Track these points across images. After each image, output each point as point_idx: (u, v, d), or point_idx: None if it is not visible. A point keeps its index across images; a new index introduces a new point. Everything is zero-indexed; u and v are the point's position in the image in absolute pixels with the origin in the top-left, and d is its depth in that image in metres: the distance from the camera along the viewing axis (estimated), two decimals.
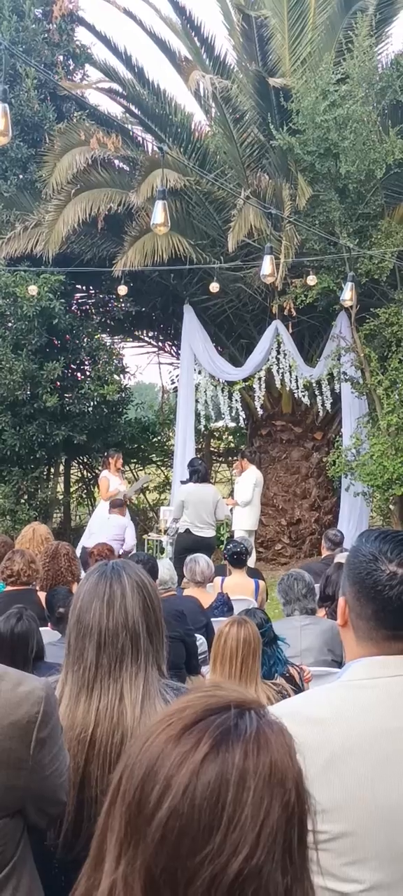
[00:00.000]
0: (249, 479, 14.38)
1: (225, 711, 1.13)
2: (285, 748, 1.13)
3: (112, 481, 14.59)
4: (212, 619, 7.41)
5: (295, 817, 1.10)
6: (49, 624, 6.08)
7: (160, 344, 21.47)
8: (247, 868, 1.05)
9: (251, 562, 13.70)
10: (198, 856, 1.05)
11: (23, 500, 16.82)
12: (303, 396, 16.15)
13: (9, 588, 6.88)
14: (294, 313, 15.41)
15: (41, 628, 5.11)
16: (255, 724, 1.13)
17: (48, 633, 5.78)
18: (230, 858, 1.05)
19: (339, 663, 6.15)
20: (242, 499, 14.28)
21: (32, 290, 15.31)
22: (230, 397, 16.80)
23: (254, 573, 9.95)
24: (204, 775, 1.08)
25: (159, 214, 9.70)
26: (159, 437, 20.90)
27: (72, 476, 20.22)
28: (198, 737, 1.11)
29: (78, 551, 10.27)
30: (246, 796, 1.07)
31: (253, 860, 1.05)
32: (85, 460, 19.73)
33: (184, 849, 1.06)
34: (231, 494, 15.99)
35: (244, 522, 14.26)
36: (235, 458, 21.21)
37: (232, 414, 17.20)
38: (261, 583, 9.38)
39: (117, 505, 12.61)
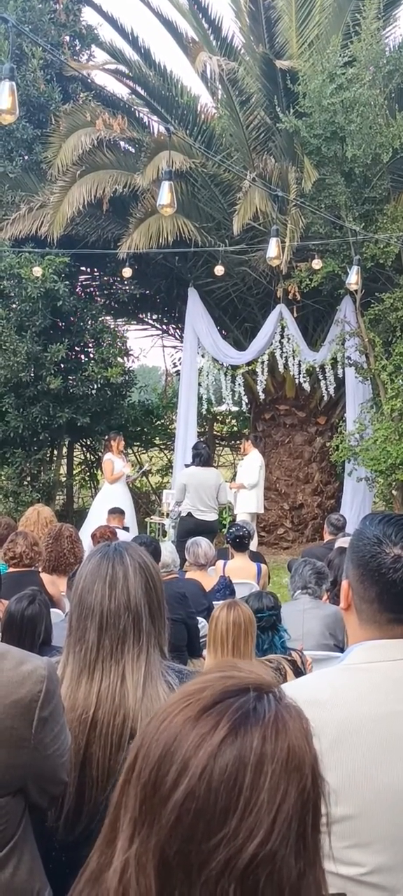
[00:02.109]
0: (255, 462, 14.36)
1: (243, 694, 1.13)
2: (302, 732, 1.14)
3: (116, 463, 14.60)
4: (215, 603, 7.41)
5: (310, 802, 1.10)
6: None
7: (164, 327, 21.47)
8: (262, 853, 1.05)
9: (253, 546, 13.72)
10: (212, 839, 1.05)
11: (26, 482, 16.83)
12: (305, 381, 16.12)
13: (11, 570, 6.88)
14: (298, 297, 15.39)
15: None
16: (274, 707, 1.13)
17: (53, 614, 5.78)
18: (245, 843, 1.05)
19: (341, 648, 6.16)
20: (249, 481, 14.27)
21: (37, 271, 15.28)
22: (233, 381, 16.79)
23: (257, 557, 9.96)
24: (221, 758, 1.08)
25: (165, 195, 9.66)
26: (162, 421, 20.91)
27: (75, 458, 20.23)
28: (216, 719, 1.10)
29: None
30: (263, 781, 1.07)
31: (267, 845, 1.05)
32: (88, 443, 19.73)
33: (198, 831, 1.06)
34: (233, 478, 15.99)
35: (249, 505, 14.25)
36: (238, 441, 21.30)
37: (235, 398, 17.18)
38: (264, 566, 9.39)
39: (116, 513, 12.09)
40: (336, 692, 2.03)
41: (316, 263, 14.62)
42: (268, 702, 1.13)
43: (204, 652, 6.41)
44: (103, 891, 1.15)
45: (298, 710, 1.16)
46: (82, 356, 17.91)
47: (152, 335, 21.69)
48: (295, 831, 1.07)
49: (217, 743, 1.08)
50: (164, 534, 15.01)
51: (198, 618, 6.99)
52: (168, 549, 7.76)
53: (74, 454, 20.13)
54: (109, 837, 1.17)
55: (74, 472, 20.17)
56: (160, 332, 21.58)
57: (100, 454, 17.78)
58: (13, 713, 2.08)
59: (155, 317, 21.33)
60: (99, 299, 18.90)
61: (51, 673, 2.18)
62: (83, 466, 20.68)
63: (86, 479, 20.61)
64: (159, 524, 15.98)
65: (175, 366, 21.30)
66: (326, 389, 16.40)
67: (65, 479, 19.42)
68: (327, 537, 10.44)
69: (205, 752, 1.08)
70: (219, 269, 15.25)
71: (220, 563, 8.99)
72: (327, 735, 1.92)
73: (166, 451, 20.82)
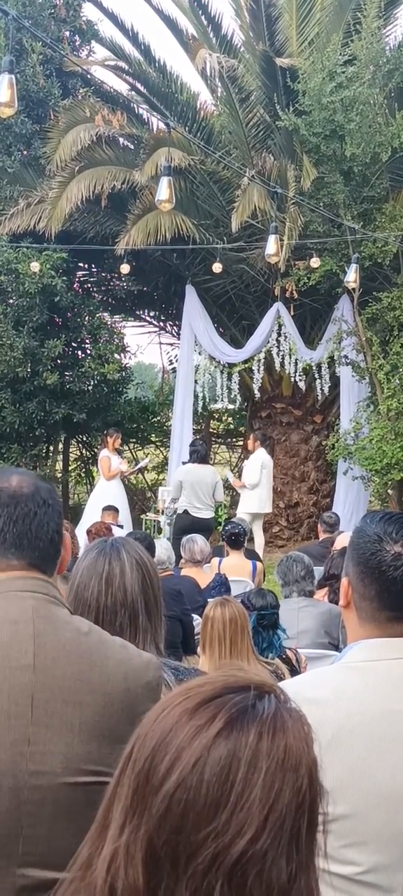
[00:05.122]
0: (256, 461, 14.31)
1: (244, 691, 1.12)
2: (302, 734, 1.12)
3: (113, 460, 14.59)
4: (209, 600, 7.40)
5: (306, 805, 1.09)
6: None
7: (161, 324, 21.44)
8: (251, 850, 1.03)
9: (259, 548, 13.70)
10: (201, 832, 1.04)
11: None
12: (301, 380, 16.12)
13: None
14: (296, 295, 15.36)
15: None
16: (274, 707, 1.12)
17: None
18: (234, 838, 1.03)
19: (336, 646, 6.16)
20: (249, 481, 14.22)
21: (34, 266, 15.24)
22: (229, 379, 16.78)
23: (252, 554, 9.96)
24: (215, 751, 1.07)
25: (164, 190, 9.65)
26: (159, 418, 20.88)
27: (70, 454, 20.20)
28: (213, 712, 1.10)
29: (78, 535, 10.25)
30: (256, 777, 1.06)
31: (257, 843, 1.03)
32: (84, 439, 19.69)
33: (188, 823, 1.05)
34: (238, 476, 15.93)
35: (250, 505, 14.21)
36: (235, 439, 21.32)
37: (231, 396, 17.17)
38: (259, 564, 9.40)
39: (110, 510, 12.16)
40: (334, 691, 2.02)
41: (314, 262, 14.60)
42: (269, 701, 1.12)
43: (199, 649, 6.41)
44: (92, 881, 1.14)
45: (300, 713, 1.15)
46: (79, 352, 17.87)
47: (149, 332, 21.67)
48: (287, 832, 1.05)
49: (212, 735, 1.07)
50: (160, 531, 14.99)
51: (193, 615, 6.98)
52: (163, 546, 7.75)
53: (70, 450, 20.09)
54: (101, 827, 1.17)
55: (70, 468, 20.12)
56: (157, 329, 21.54)
57: (96, 450, 17.76)
58: (146, 695, 2.11)
59: (152, 314, 21.30)
60: (96, 295, 18.85)
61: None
62: (79, 463, 20.65)
63: (82, 475, 20.57)
64: (155, 521, 15.96)
65: (171, 363, 21.28)
66: (321, 389, 16.38)
67: (60, 475, 19.39)
68: (322, 535, 10.47)
69: (200, 744, 1.07)
70: (217, 267, 15.23)
71: (215, 560, 8.99)
72: (325, 733, 1.91)
73: (162, 449, 20.79)
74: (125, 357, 18.81)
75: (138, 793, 1.10)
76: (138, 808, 1.09)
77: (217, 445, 22.00)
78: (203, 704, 1.11)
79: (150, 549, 6.83)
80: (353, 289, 14.21)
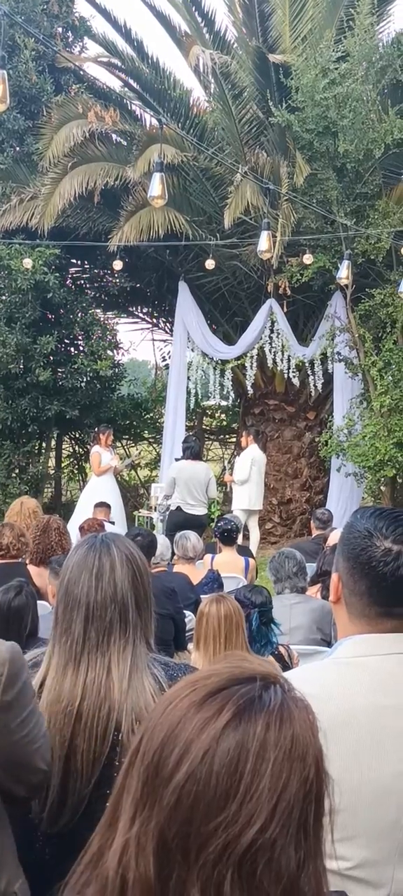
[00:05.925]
0: (247, 457, 14.33)
1: (250, 682, 1.14)
2: (308, 724, 1.14)
3: (104, 456, 14.58)
4: (202, 596, 7.40)
5: (313, 794, 1.11)
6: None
7: (154, 320, 21.43)
8: (261, 839, 1.05)
9: (254, 544, 13.70)
10: (211, 823, 1.06)
11: (14, 475, 16.79)
12: (294, 377, 16.11)
13: None
14: (289, 292, 15.35)
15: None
16: (280, 697, 1.14)
17: (40, 606, 5.75)
18: (244, 828, 1.05)
19: (328, 642, 6.17)
20: (238, 477, 14.25)
21: (27, 263, 15.23)
22: (222, 375, 16.77)
23: (245, 551, 9.96)
24: (224, 742, 1.08)
25: (156, 187, 9.65)
26: (151, 414, 20.87)
27: (63, 451, 20.20)
28: (221, 704, 1.11)
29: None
30: (264, 767, 1.08)
31: (267, 832, 1.05)
32: (77, 435, 19.70)
33: (198, 814, 1.07)
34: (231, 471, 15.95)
35: (241, 501, 14.22)
36: (228, 436, 21.30)
37: (224, 392, 17.16)
38: (251, 561, 9.40)
39: (102, 506, 12.19)
40: (324, 686, 2.01)
41: (307, 258, 14.61)
42: (275, 691, 1.14)
43: (190, 646, 6.40)
44: (103, 872, 1.15)
45: (305, 703, 1.17)
46: (72, 349, 17.88)
47: (142, 328, 21.67)
48: (296, 821, 1.08)
49: (220, 727, 1.09)
50: (153, 527, 14.99)
51: (186, 611, 6.98)
52: (160, 542, 7.74)
53: (63, 447, 20.10)
54: (111, 819, 1.18)
55: (63, 464, 20.14)
56: (150, 325, 21.54)
57: (88, 447, 17.75)
58: None
59: (145, 310, 21.29)
60: (89, 292, 18.85)
61: (14, 657, 2.15)
62: (71, 459, 20.65)
63: (75, 471, 20.58)
64: (147, 518, 15.96)
65: (164, 359, 21.29)
66: (314, 385, 16.38)
67: (53, 471, 19.39)
68: (314, 532, 10.48)
69: (208, 736, 1.09)
70: (210, 263, 15.23)
71: (208, 556, 8.99)
72: None
73: (155, 445, 20.79)
74: (118, 354, 18.88)
75: (148, 785, 1.12)
76: (148, 800, 1.11)
77: (210, 442, 21.99)
78: (210, 696, 1.12)
79: (152, 546, 6.87)
80: (346, 285, 14.22)
